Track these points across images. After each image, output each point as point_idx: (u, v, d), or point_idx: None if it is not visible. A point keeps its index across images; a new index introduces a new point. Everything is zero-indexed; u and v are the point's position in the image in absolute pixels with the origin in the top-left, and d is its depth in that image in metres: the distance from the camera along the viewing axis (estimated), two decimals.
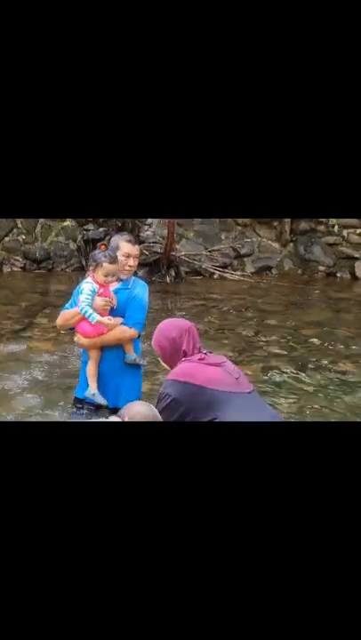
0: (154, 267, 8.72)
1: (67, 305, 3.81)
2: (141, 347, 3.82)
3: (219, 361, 2.83)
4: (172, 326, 2.91)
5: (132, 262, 3.74)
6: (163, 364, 2.95)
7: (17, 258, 9.23)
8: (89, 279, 3.63)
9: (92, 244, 8.35)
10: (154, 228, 8.97)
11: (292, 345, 6.16)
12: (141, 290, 3.78)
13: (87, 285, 3.60)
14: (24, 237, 9.27)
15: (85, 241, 8.88)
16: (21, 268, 9.20)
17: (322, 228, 9.49)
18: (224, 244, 9.42)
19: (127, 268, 3.73)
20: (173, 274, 8.86)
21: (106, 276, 3.58)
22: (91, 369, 3.70)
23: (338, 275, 9.41)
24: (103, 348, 3.70)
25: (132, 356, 3.71)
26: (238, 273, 9.15)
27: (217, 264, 9.18)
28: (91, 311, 3.57)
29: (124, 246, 3.70)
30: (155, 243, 8.85)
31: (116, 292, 3.73)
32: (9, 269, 9.16)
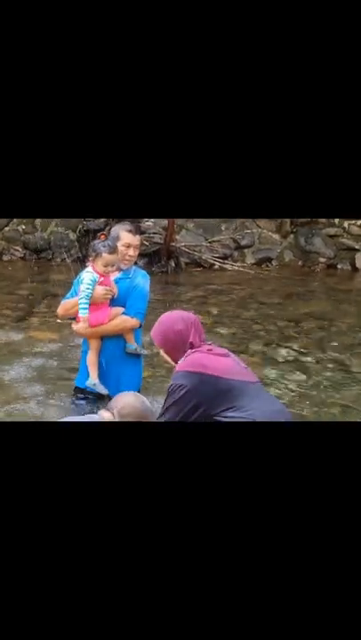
0: (154, 257, 8.70)
1: (67, 295, 3.80)
2: (142, 336, 3.82)
3: (224, 352, 2.83)
4: (177, 318, 2.90)
5: (133, 252, 3.73)
6: (164, 356, 2.93)
7: (17, 248, 9.22)
8: (89, 269, 3.62)
9: (92, 234, 8.32)
10: (154, 219, 8.95)
11: (293, 335, 6.16)
12: (143, 280, 3.77)
13: (87, 275, 3.60)
14: (24, 227, 9.25)
15: (85, 231, 8.86)
16: (21, 257, 9.19)
17: (323, 219, 9.47)
18: (224, 235, 9.39)
19: (127, 258, 3.72)
20: (173, 264, 8.84)
21: (105, 267, 3.57)
22: (91, 358, 3.70)
23: (338, 266, 9.39)
24: (103, 338, 3.70)
25: (133, 345, 3.71)
26: (238, 264, 9.13)
27: (217, 255, 9.16)
28: (85, 304, 3.56)
29: (125, 236, 3.69)
30: (155, 233, 8.82)
31: (117, 281, 3.72)
32: (8, 259, 9.14)
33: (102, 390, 3.67)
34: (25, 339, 5.65)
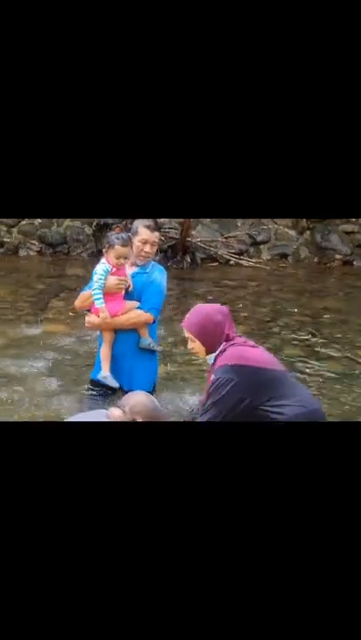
0: (170, 252, 8.71)
1: (85, 287, 3.83)
2: (158, 332, 3.82)
3: (254, 344, 2.90)
4: (215, 310, 2.94)
5: (149, 249, 3.72)
6: (196, 346, 2.91)
7: (33, 242, 9.25)
8: (103, 260, 3.65)
9: (108, 228, 8.34)
10: None
11: (311, 331, 6.15)
12: (160, 275, 3.77)
13: (100, 266, 3.62)
14: (40, 221, 9.28)
15: (101, 225, 8.88)
16: (37, 251, 9.23)
17: None
18: (240, 231, 9.37)
19: (143, 254, 3.71)
20: (189, 260, 8.84)
21: (118, 259, 3.59)
22: (104, 351, 3.72)
23: (354, 263, 9.34)
24: (117, 331, 3.71)
25: (146, 340, 3.72)
26: (254, 260, 9.11)
27: (233, 251, 9.14)
28: (98, 294, 3.59)
29: (142, 232, 3.69)
30: (171, 228, 8.82)
31: (133, 275, 3.73)
32: (25, 253, 9.19)
33: (113, 383, 3.68)
34: (41, 333, 5.69)
